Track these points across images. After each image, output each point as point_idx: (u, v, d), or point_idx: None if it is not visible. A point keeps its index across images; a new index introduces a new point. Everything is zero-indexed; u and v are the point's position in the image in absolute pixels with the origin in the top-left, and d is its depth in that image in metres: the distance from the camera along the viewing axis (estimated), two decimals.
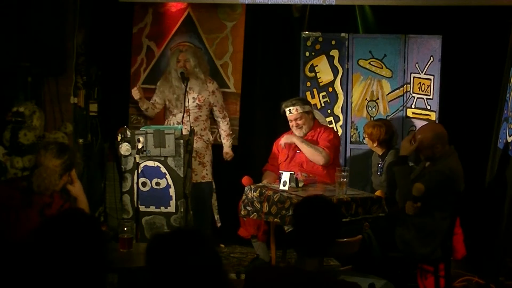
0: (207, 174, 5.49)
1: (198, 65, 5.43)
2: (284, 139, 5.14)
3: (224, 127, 5.65)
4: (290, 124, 5.15)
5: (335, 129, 5.58)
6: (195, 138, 5.34)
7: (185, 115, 5.35)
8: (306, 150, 5.01)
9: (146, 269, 2.15)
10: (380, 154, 5.09)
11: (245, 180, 4.95)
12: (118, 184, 5.57)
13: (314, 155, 4.95)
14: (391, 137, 5.10)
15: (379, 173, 5.05)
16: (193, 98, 5.42)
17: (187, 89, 5.32)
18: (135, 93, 5.40)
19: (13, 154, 4.85)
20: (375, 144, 5.09)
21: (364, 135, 5.26)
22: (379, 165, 5.07)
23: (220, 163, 5.77)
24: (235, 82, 5.91)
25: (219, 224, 5.63)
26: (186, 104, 5.35)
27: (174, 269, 2.09)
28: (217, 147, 5.73)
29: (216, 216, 5.63)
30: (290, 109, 5.11)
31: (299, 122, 5.12)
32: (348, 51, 5.68)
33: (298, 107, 5.10)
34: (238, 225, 5.49)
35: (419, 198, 4.21)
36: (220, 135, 5.74)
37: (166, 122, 5.56)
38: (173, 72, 5.45)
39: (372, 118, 5.65)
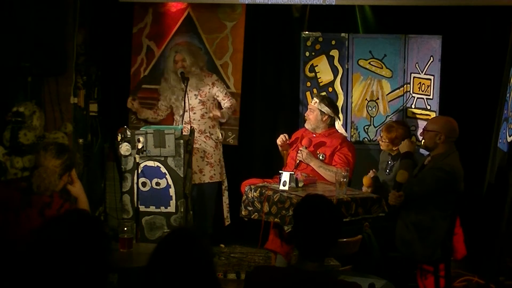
0: (214, 175, 5.50)
1: (195, 62, 5.43)
2: (302, 157, 5.02)
3: (227, 104, 5.55)
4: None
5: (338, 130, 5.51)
6: (203, 137, 5.36)
7: (190, 113, 5.35)
8: (324, 174, 4.98)
9: (144, 269, 2.21)
10: (393, 154, 5.04)
11: (365, 181, 4.91)
12: (118, 184, 5.57)
13: (332, 178, 4.83)
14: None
15: (387, 171, 5.01)
16: (195, 95, 5.42)
17: (187, 89, 5.32)
18: (129, 106, 5.51)
19: (13, 154, 4.84)
20: (394, 148, 4.99)
21: (380, 136, 5.12)
22: (389, 163, 5.02)
23: None
24: (235, 82, 5.90)
25: (227, 222, 5.65)
26: (190, 102, 5.35)
27: (168, 267, 2.18)
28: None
29: (226, 214, 5.64)
30: (314, 99, 5.23)
31: (309, 114, 5.18)
32: (348, 51, 5.68)
33: (318, 101, 5.15)
34: (237, 226, 5.50)
35: (402, 187, 4.24)
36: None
37: (174, 123, 5.56)
38: (172, 74, 5.46)
39: (372, 118, 5.66)
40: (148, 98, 5.79)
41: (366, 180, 4.89)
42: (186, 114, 5.37)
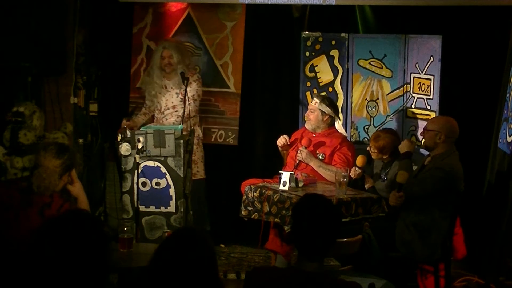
0: (198, 171, 5.48)
1: (181, 61, 5.39)
2: (302, 157, 5.01)
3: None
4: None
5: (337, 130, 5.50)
6: None
7: (172, 111, 5.34)
8: (324, 174, 4.98)
9: (147, 268, 2.21)
10: (386, 162, 5.03)
11: (359, 160, 4.91)
12: (118, 184, 5.56)
13: (332, 178, 4.84)
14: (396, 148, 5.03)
15: (382, 177, 4.99)
16: (176, 93, 5.40)
17: (187, 88, 5.30)
18: (124, 125, 5.22)
19: (13, 154, 4.84)
20: (384, 156, 5.00)
21: (369, 146, 5.07)
22: (383, 170, 5.01)
23: (221, 162, 5.78)
24: (235, 82, 5.90)
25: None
26: (172, 100, 5.34)
27: (173, 267, 2.18)
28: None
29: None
30: (314, 99, 5.23)
31: (310, 115, 5.18)
32: (348, 51, 5.68)
33: (319, 102, 5.15)
34: (238, 226, 5.50)
35: (402, 187, 4.23)
36: (219, 135, 5.75)
37: (155, 121, 5.51)
38: (156, 69, 5.42)
39: (372, 118, 5.66)
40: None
41: (360, 159, 4.88)
42: (168, 112, 5.37)
